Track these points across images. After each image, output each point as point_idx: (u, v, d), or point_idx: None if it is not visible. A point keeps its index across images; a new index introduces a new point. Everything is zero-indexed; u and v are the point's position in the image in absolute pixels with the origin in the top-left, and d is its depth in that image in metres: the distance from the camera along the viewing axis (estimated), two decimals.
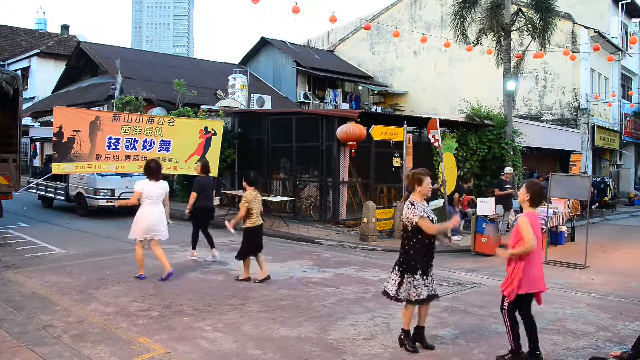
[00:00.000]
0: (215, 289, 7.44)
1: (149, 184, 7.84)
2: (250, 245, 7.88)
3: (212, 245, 9.46)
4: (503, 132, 16.83)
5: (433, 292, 5.18)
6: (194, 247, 9.53)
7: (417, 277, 5.05)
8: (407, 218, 5.09)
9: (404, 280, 5.09)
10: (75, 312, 6.16)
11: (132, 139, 12.61)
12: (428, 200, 5.30)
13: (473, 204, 13.38)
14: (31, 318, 5.91)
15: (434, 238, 5.17)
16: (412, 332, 5.27)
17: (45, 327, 5.62)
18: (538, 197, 5.06)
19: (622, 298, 7.66)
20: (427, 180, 5.17)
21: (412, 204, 5.08)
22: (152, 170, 7.88)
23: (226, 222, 8.07)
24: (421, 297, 5.06)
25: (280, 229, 13.16)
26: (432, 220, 5.08)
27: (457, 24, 17.14)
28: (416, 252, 5.08)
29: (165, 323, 5.86)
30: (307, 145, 15.03)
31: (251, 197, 7.77)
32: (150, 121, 13.01)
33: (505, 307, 4.94)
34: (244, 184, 8.00)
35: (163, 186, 7.97)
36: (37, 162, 24.01)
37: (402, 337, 5.26)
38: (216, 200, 17.24)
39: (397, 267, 5.20)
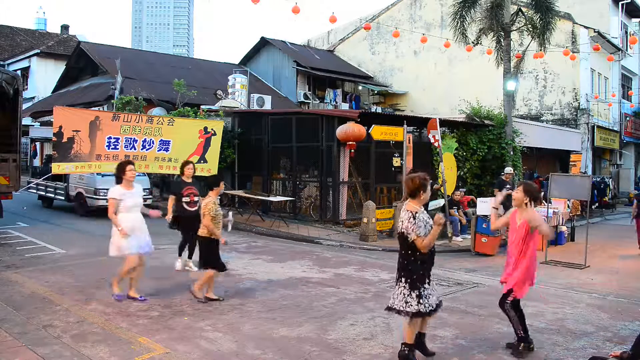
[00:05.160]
0: (215, 289, 7.41)
1: None
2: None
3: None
4: (503, 132, 16.82)
5: (439, 299, 4.91)
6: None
7: (427, 286, 4.76)
8: (406, 230, 4.70)
9: (417, 292, 4.70)
10: (75, 312, 6.16)
11: (131, 138, 12.59)
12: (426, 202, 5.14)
13: (473, 204, 13.38)
14: (31, 318, 5.91)
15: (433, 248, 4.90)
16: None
17: (45, 327, 5.62)
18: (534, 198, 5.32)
19: (622, 298, 7.66)
20: (428, 187, 4.90)
21: (414, 217, 4.69)
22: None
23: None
24: (432, 307, 4.76)
25: (280, 229, 13.16)
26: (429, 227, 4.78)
27: (457, 24, 17.12)
28: (423, 261, 4.75)
29: (165, 323, 5.86)
30: (307, 145, 15.03)
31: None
32: (150, 121, 12.99)
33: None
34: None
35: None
36: (37, 162, 24.04)
37: (406, 352, 4.77)
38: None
39: (403, 280, 4.77)
